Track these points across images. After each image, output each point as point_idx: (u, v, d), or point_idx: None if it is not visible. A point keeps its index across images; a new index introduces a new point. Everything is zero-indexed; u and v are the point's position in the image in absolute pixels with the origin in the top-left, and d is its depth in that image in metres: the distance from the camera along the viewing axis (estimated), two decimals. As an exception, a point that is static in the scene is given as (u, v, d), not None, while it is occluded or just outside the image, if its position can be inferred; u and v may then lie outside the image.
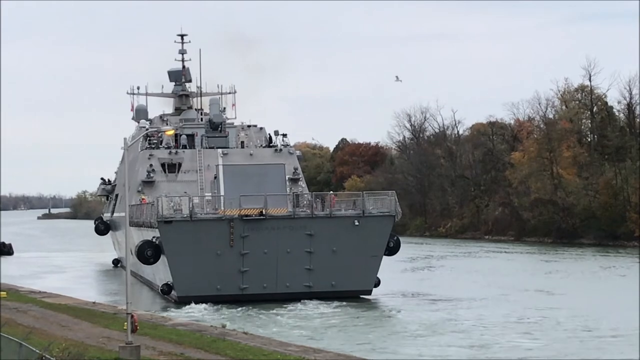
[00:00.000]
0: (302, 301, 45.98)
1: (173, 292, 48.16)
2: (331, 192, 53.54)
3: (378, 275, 48.89)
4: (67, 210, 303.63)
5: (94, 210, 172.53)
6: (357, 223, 47.64)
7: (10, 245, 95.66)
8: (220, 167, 52.16)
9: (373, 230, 47.71)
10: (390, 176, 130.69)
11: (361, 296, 48.33)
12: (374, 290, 48.85)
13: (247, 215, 46.74)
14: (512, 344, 33.47)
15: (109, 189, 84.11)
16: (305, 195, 52.12)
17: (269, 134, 64.67)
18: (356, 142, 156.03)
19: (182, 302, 46.75)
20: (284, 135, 62.99)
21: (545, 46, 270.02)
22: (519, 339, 34.62)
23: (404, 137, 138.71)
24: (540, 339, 34.48)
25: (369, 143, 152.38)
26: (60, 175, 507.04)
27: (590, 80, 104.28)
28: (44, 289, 51.47)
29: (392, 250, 49.64)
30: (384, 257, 49.94)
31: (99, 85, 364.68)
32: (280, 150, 61.73)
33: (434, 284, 56.86)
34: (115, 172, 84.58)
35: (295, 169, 60.70)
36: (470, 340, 34.25)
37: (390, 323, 40.65)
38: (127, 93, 76.75)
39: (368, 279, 48.18)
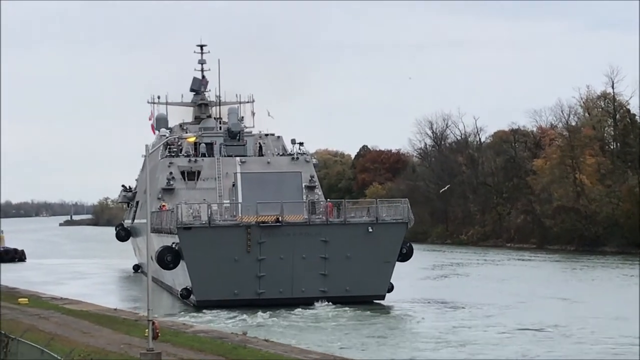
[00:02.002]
0: (314, 305, 47.75)
1: (192, 296, 50.06)
2: (328, 199, 55.57)
3: (392, 281, 50.77)
4: (89, 217, 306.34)
5: (116, 217, 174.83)
6: (370, 230, 49.47)
7: (22, 251, 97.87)
8: (238, 175, 54.08)
9: (386, 236, 49.52)
10: (411, 183, 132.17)
11: (375, 301, 50.08)
12: (387, 295, 50.67)
13: (263, 222, 48.63)
14: (522, 352, 34.39)
15: (129, 196, 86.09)
16: (321, 203, 54.08)
17: (259, 142, 66.16)
18: (377, 149, 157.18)
19: (200, 306, 48.62)
20: (301, 144, 64.94)
21: (568, 53, 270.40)
22: (531, 346, 35.50)
23: (426, 144, 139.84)
24: (553, 348, 35.19)
25: (390, 150, 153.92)
26: (82, 182, 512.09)
27: (613, 87, 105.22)
28: (66, 295, 52.29)
29: (405, 256, 51.48)
30: (402, 264, 51.95)
31: (120, 94, 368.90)
32: (297, 158, 63.65)
33: (452, 291, 57.93)
34: (136, 180, 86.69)
35: (312, 176, 62.49)
36: (479, 348, 35.25)
37: (405, 329, 41.97)
38: (148, 102, 79.13)
39: (381, 284, 50.01)
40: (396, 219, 50.15)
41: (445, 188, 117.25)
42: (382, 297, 50.42)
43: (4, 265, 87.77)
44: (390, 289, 50.66)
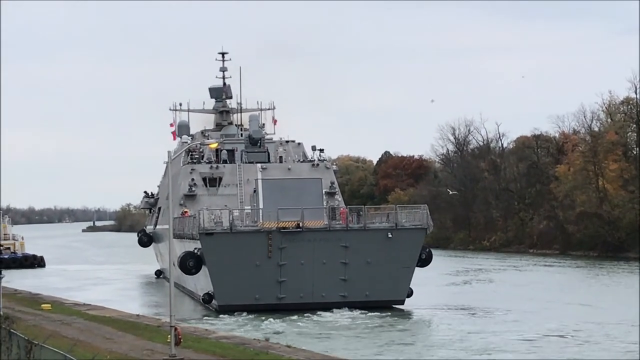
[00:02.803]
0: (333, 310, 48.61)
1: (214, 301, 51.06)
2: (348, 206, 56.49)
3: (415, 286, 51.56)
4: (112, 222, 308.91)
5: (138, 223, 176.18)
6: (390, 235, 50.36)
7: (41, 257, 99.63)
8: (260, 181, 55.09)
9: (405, 242, 50.41)
10: (434, 189, 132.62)
11: (394, 306, 50.91)
12: (408, 300, 51.39)
13: (284, 228, 49.59)
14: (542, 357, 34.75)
15: (151, 202, 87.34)
16: (341, 209, 55.02)
17: (266, 148, 66.73)
18: (399, 155, 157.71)
19: (222, 310, 49.64)
20: (321, 150, 66.00)
21: (591, 59, 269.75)
22: (552, 352, 35.82)
23: (448, 150, 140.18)
24: (572, 353, 35.44)
25: (413, 156, 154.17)
26: (105, 189, 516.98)
27: (636, 93, 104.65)
28: (88, 301, 52.94)
29: (424, 261, 52.36)
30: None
31: (142, 101, 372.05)
32: (317, 164, 64.65)
33: (474, 296, 58.42)
34: (158, 186, 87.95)
35: (332, 183, 63.43)
36: (499, 354, 35.51)
37: (426, 335, 42.51)
38: (170, 109, 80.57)
39: (401, 290, 50.87)
40: (415, 225, 51.04)
41: (452, 192, 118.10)
42: (402, 302, 51.25)
43: (25, 272, 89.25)
44: (410, 294, 51.46)
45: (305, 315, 47.47)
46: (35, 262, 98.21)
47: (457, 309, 51.12)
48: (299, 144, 69.60)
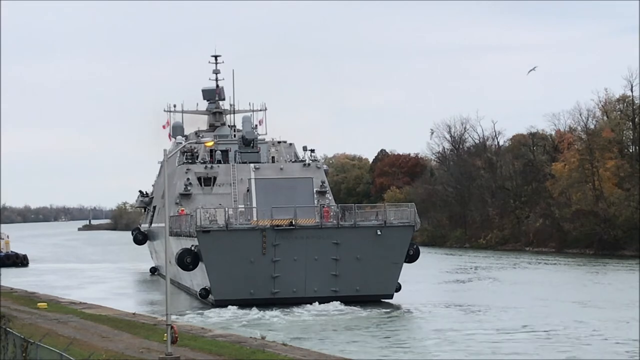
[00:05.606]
0: (311, 304, 51.55)
1: (210, 296, 54.02)
2: (325, 204, 59.22)
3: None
4: (108, 221, 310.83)
5: (134, 221, 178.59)
6: (379, 233, 53.50)
7: (24, 256, 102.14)
8: (253, 181, 58.11)
9: (394, 239, 53.54)
10: (430, 187, 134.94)
11: (383, 300, 54.01)
12: (395, 295, 54.38)
13: (278, 225, 52.70)
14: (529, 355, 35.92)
15: (146, 201, 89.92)
16: (332, 207, 58.10)
17: (259, 148, 68.90)
18: (395, 153, 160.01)
19: (218, 305, 52.57)
20: (312, 151, 69.00)
21: (587, 57, 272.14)
22: (539, 349, 37.06)
23: (444, 148, 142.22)
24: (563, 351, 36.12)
25: (409, 154, 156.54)
26: (101, 187, 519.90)
27: (632, 91, 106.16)
28: (84, 299, 54.30)
29: (412, 258, 55.53)
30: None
31: (137, 102, 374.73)
32: (309, 164, 67.63)
33: (466, 294, 60.41)
34: (153, 185, 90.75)
35: (323, 182, 66.35)
36: (483, 349, 36.91)
37: (412, 329, 44.64)
38: (164, 110, 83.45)
39: (390, 284, 54.05)
40: (403, 223, 54.18)
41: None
42: (390, 297, 54.41)
43: (7, 270, 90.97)
44: (398, 288, 54.67)
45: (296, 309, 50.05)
46: (18, 260, 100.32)
47: (446, 304, 53.03)
48: (290, 144, 72.51)
